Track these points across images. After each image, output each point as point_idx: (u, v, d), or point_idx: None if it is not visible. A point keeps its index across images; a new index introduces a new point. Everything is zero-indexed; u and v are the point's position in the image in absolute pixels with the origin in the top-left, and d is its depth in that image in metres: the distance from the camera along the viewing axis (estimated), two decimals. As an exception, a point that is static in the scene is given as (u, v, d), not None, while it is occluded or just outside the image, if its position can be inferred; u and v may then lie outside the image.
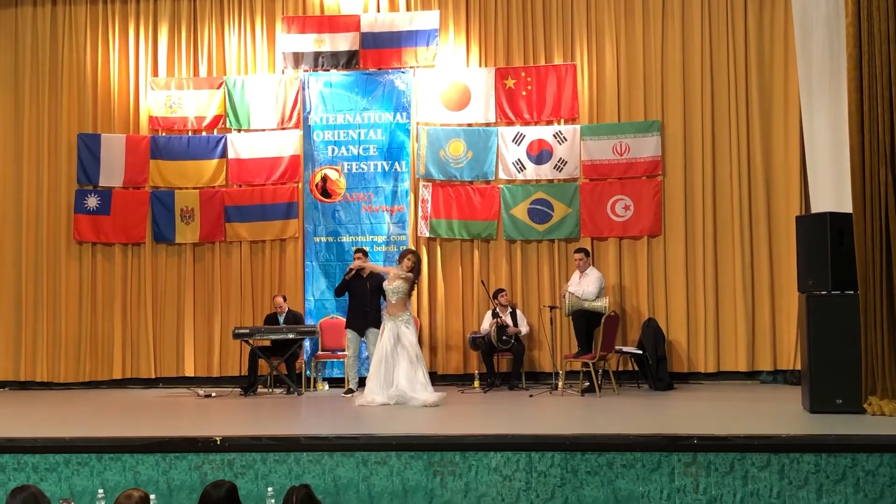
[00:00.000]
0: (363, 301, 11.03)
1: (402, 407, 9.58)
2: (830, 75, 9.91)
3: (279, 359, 11.37)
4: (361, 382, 11.10)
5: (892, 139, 8.20)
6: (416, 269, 10.37)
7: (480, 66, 12.31)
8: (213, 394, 11.27)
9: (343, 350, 11.43)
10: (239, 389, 11.36)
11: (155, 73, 12.69)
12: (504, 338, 11.15)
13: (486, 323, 11.44)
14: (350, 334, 11.12)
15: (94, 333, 12.42)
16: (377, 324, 11.00)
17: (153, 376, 12.33)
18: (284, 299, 11.76)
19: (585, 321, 10.80)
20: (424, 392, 9.77)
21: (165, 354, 12.41)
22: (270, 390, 11.57)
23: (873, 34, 8.32)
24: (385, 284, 10.33)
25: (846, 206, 8.82)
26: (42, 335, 12.38)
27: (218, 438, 7.24)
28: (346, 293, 11.22)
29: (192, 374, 12.27)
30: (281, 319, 11.62)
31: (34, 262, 12.51)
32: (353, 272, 11.02)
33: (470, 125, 12.24)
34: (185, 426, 8.83)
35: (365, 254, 11.27)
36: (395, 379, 9.83)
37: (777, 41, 11.63)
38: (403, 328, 10.02)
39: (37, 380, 12.35)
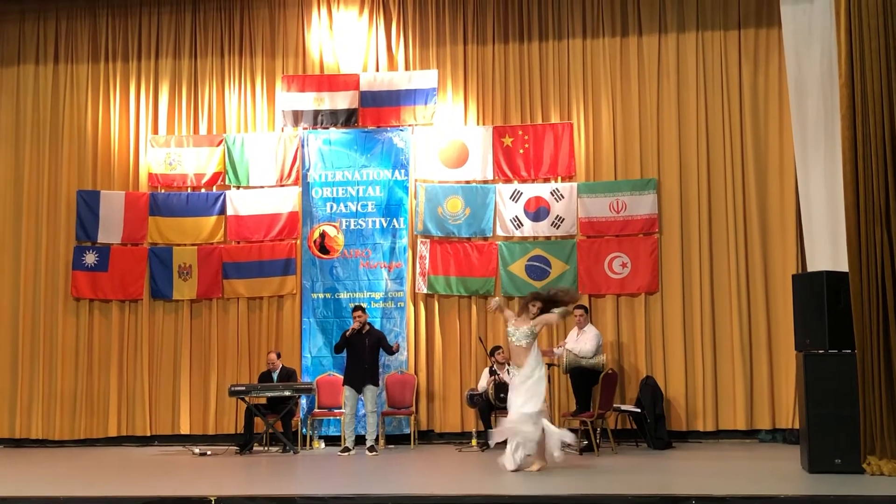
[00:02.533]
0: (361, 358, 10.99)
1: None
2: (825, 135, 10.01)
3: (275, 416, 11.32)
4: (359, 441, 11.05)
5: (887, 199, 8.25)
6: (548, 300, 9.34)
7: (478, 124, 12.43)
8: (209, 452, 11.19)
9: (340, 408, 11.36)
10: (235, 447, 11.28)
11: (155, 130, 12.80)
12: (502, 395, 11.06)
13: (484, 380, 11.39)
14: (348, 391, 11.05)
15: (90, 390, 12.37)
16: (375, 381, 10.99)
17: (148, 434, 12.26)
18: (278, 356, 11.72)
19: (583, 379, 10.77)
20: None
21: (161, 412, 12.35)
22: (266, 448, 11.50)
23: (867, 95, 8.42)
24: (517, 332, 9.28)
25: (842, 265, 8.85)
26: (38, 392, 12.33)
27: (213, 498, 7.18)
28: (346, 350, 11.18)
29: (188, 432, 12.20)
30: (274, 376, 11.57)
31: (31, 318, 12.50)
32: (357, 330, 11.02)
33: (468, 182, 12.32)
34: (180, 485, 8.74)
35: (363, 310, 11.26)
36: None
37: (772, 101, 11.77)
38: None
39: (32, 437, 12.28)
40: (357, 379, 11.00)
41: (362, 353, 11.00)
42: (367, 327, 11.16)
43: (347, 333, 11.05)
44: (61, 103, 12.87)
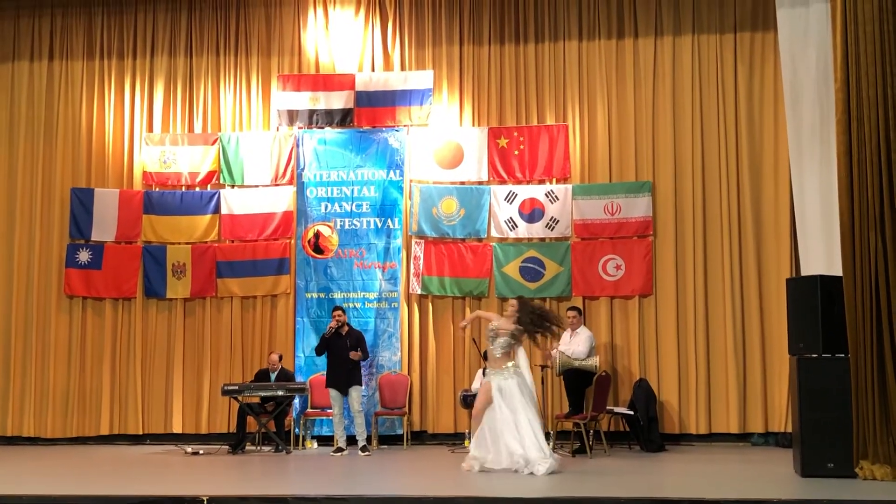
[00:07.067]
0: (342, 359, 10.95)
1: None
2: (820, 139, 10.02)
3: (268, 416, 11.30)
4: (352, 441, 11.04)
5: (881, 203, 8.26)
6: (522, 320, 9.34)
7: (473, 125, 12.43)
8: (201, 451, 11.17)
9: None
10: (227, 447, 11.26)
11: (150, 128, 12.77)
12: (495, 397, 11.05)
13: (478, 381, 11.38)
14: (333, 392, 11.03)
15: (83, 388, 12.34)
16: (359, 381, 10.97)
17: (141, 432, 12.24)
18: (280, 358, 11.71)
19: (576, 381, 10.77)
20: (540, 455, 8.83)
21: (154, 410, 12.32)
22: (259, 448, 11.48)
23: (862, 100, 8.43)
24: (490, 336, 9.42)
25: (836, 269, 8.87)
26: (30, 390, 12.30)
27: (205, 498, 7.17)
28: (326, 352, 11.16)
29: (180, 431, 12.18)
30: (272, 377, 11.56)
31: (24, 315, 12.46)
32: (333, 331, 11.00)
33: (463, 183, 12.31)
34: (172, 484, 8.72)
35: (343, 311, 11.24)
36: (504, 443, 8.90)
37: (767, 105, 11.79)
38: (508, 381, 9.13)
39: (24, 435, 12.24)
40: (340, 381, 10.98)
41: (343, 353, 10.96)
42: (347, 328, 11.12)
43: (326, 335, 11.04)
44: (56, 100, 12.83)
